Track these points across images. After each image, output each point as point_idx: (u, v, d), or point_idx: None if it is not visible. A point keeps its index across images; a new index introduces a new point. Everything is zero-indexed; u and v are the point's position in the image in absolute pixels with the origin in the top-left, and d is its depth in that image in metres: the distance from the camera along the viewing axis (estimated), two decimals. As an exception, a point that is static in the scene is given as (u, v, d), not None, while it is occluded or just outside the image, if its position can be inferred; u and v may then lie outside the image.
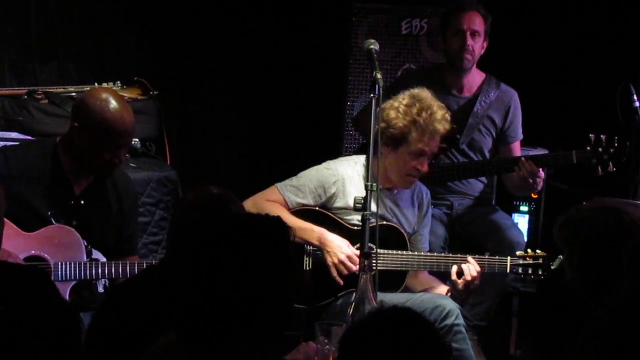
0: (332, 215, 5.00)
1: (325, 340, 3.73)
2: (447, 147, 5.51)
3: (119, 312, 3.56)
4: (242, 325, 2.80)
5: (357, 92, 6.73)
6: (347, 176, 5.02)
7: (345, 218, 4.99)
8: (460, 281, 4.82)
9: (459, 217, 5.71)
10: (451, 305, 4.77)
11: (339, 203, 5.01)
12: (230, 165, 7.18)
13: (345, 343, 2.70)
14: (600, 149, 5.34)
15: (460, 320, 4.75)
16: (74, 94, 5.88)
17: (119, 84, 6.00)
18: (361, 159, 5.11)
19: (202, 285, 2.86)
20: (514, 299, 5.97)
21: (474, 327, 5.27)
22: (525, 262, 4.96)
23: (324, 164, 5.10)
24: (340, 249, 4.87)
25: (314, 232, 4.89)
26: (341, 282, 4.86)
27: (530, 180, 5.36)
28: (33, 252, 4.50)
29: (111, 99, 4.61)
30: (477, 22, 5.59)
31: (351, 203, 4.90)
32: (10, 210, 4.01)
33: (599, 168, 5.36)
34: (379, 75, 4.46)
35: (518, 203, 6.32)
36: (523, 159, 5.41)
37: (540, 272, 4.95)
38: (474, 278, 4.82)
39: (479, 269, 4.84)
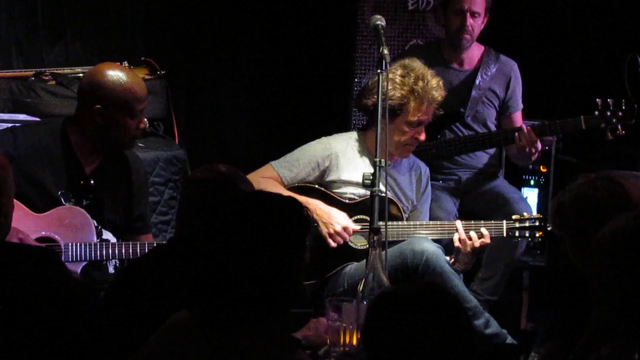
0: (326, 190, 5.05)
1: (336, 316, 3.74)
2: (449, 123, 5.53)
3: (129, 291, 3.57)
4: (253, 301, 2.81)
5: (364, 68, 6.72)
6: (340, 150, 5.07)
7: (339, 192, 5.04)
8: (469, 243, 4.92)
9: (468, 191, 5.71)
10: (431, 248, 4.84)
11: (332, 177, 5.06)
12: (238, 144, 7.18)
13: (374, 313, 2.70)
14: (608, 113, 5.35)
15: (442, 261, 4.83)
16: (81, 74, 5.86)
17: (126, 64, 5.99)
18: (355, 134, 5.21)
19: (212, 262, 2.87)
20: (524, 273, 5.99)
21: (484, 302, 5.28)
22: (522, 225, 5.01)
23: (318, 140, 5.18)
24: (336, 220, 4.92)
25: (309, 204, 4.90)
26: (333, 245, 4.92)
27: (527, 150, 5.38)
28: (43, 233, 4.51)
29: (119, 70, 4.65)
30: (478, 2, 5.56)
31: (345, 177, 5.03)
32: (20, 190, 4.04)
33: (608, 132, 5.36)
34: (385, 52, 4.46)
35: (527, 177, 6.32)
36: (524, 128, 5.42)
37: (537, 235, 5.01)
38: (483, 243, 4.94)
39: (487, 240, 4.96)
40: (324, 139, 5.17)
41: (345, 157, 5.08)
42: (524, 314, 5.88)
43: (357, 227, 4.94)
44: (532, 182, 6.32)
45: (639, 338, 2.90)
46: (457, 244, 4.94)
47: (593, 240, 3.34)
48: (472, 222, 5.01)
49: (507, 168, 6.03)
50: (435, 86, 4.96)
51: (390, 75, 4.93)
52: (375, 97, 4.63)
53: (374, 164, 4.35)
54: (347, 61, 6.80)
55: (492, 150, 5.78)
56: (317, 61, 7.02)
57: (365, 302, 3.67)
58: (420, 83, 4.92)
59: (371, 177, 4.30)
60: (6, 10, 6.30)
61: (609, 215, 3.39)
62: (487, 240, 4.95)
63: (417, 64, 5.03)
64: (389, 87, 4.90)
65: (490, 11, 5.63)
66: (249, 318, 2.83)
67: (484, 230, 4.95)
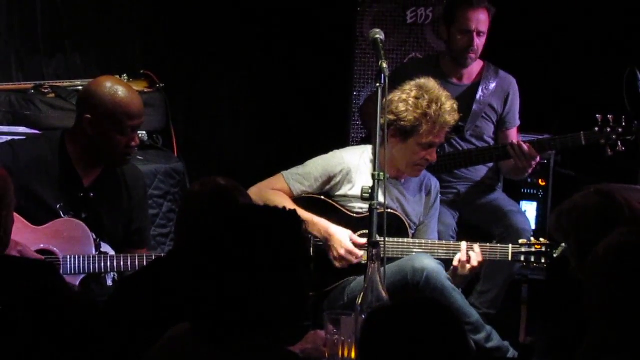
0: (335, 204, 5.03)
1: (334, 330, 3.73)
2: (452, 135, 5.52)
3: (128, 303, 3.57)
4: (252, 315, 2.81)
5: (363, 81, 6.73)
6: (353, 165, 5.05)
7: (348, 206, 5.03)
8: (468, 266, 4.89)
9: (467, 204, 5.71)
10: (431, 265, 4.83)
11: (342, 191, 5.05)
12: (237, 156, 7.18)
13: (368, 328, 2.70)
14: (608, 129, 5.35)
15: (443, 278, 4.83)
16: (80, 87, 5.88)
17: (126, 77, 6.00)
18: (368, 148, 5.15)
19: (211, 276, 2.87)
20: (523, 287, 5.97)
21: (483, 315, 5.27)
22: (528, 250, 5.00)
23: (331, 153, 5.14)
24: (341, 243, 4.90)
25: (315, 225, 4.91)
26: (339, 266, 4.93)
27: (523, 164, 5.38)
28: (42, 245, 4.51)
29: (117, 84, 4.65)
30: (484, 20, 5.54)
31: (355, 191, 4.96)
32: (19, 203, 4.04)
33: (608, 148, 5.37)
34: (384, 65, 4.45)
35: (526, 190, 6.32)
36: (516, 142, 5.41)
37: (543, 260, 5.00)
38: (479, 264, 4.91)
39: (480, 258, 4.92)
40: (337, 153, 5.15)
41: (357, 172, 5.05)
42: (523, 327, 5.87)
43: (362, 241, 4.92)
44: (530, 196, 6.32)
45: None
46: (455, 263, 4.92)
47: (589, 252, 3.35)
48: (479, 244, 4.99)
49: (505, 181, 6.03)
50: (449, 110, 4.92)
51: (404, 96, 4.93)
52: (390, 115, 4.65)
53: (372, 177, 4.35)
54: (346, 74, 6.81)
55: (491, 164, 5.78)
56: (316, 74, 7.02)
57: (363, 316, 3.66)
58: (434, 106, 4.89)
59: (370, 191, 4.30)
60: (6, 23, 6.31)
61: (601, 229, 3.40)
62: (475, 263, 4.93)
63: (433, 85, 4.98)
64: (402, 109, 4.90)
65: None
66: (248, 331, 2.82)
67: (471, 254, 4.92)
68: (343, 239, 4.90)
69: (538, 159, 5.42)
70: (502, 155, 5.59)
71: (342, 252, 4.88)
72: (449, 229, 5.46)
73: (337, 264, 4.91)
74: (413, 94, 4.94)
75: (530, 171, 5.48)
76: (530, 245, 5.03)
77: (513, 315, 5.88)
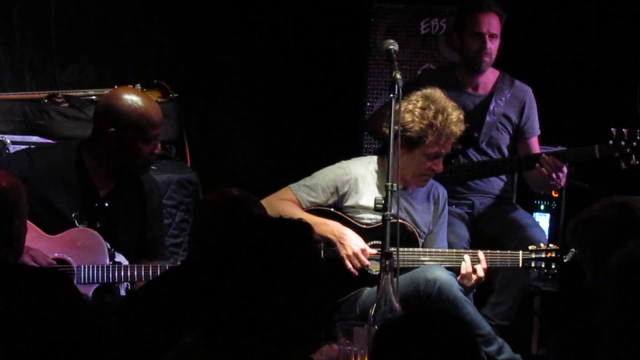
0: (343, 215, 5.03)
1: (347, 341, 3.73)
2: (463, 147, 5.51)
3: (141, 312, 3.58)
4: (265, 325, 2.81)
5: (376, 92, 6.73)
6: (360, 175, 5.06)
7: (357, 217, 5.04)
8: (474, 277, 4.89)
9: (481, 216, 5.69)
10: (443, 276, 4.83)
11: (350, 202, 5.05)
12: (250, 167, 7.19)
13: (380, 340, 2.70)
14: (622, 142, 5.34)
15: (455, 289, 4.82)
16: (94, 97, 5.90)
17: (139, 87, 6.02)
18: (374, 159, 5.16)
19: (224, 286, 2.87)
20: (535, 298, 5.97)
21: (496, 327, 5.27)
22: (538, 256, 5.00)
23: (337, 164, 5.15)
24: (354, 242, 4.89)
25: (327, 225, 4.92)
26: (355, 272, 4.91)
27: (554, 176, 5.34)
28: (56, 254, 4.52)
29: (135, 95, 4.67)
30: (495, 24, 5.53)
31: (363, 202, 4.96)
32: (33, 212, 4.05)
33: (622, 162, 5.35)
34: (398, 76, 4.47)
35: (539, 202, 6.31)
36: (545, 155, 5.40)
37: (553, 266, 5.00)
38: (485, 274, 4.91)
39: (485, 266, 4.92)
40: (343, 163, 5.16)
41: (364, 182, 5.06)
42: (535, 339, 5.86)
43: (374, 251, 4.93)
44: (543, 207, 6.30)
45: None
46: (463, 272, 4.92)
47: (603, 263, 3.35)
48: (489, 251, 4.99)
49: (518, 193, 6.02)
50: (455, 120, 4.92)
51: (410, 106, 4.93)
52: (395, 125, 4.64)
53: (385, 189, 4.35)
54: (359, 85, 6.81)
55: (505, 175, 5.77)
56: (329, 85, 7.03)
57: (376, 327, 3.66)
58: (440, 117, 4.89)
59: (383, 202, 4.31)
60: (20, 33, 6.33)
61: (617, 241, 3.40)
62: (481, 273, 4.93)
63: (439, 95, 4.98)
64: (408, 119, 4.90)
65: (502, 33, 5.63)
66: (261, 340, 2.82)
67: (476, 266, 4.92)
68: (356, 237, 4.92)
69: (565, 169, 5.38)
70: (517, 167, 5.58)
71: (356, 249, 4.88)
72: (463, 241, 5.44)
73: (348, 263, 4.89)
74: (419, 104, 4.94)
75: (562, 183, 5.43)
76: (540, 251, 5.03)
77: (525, 327, 5.87)
